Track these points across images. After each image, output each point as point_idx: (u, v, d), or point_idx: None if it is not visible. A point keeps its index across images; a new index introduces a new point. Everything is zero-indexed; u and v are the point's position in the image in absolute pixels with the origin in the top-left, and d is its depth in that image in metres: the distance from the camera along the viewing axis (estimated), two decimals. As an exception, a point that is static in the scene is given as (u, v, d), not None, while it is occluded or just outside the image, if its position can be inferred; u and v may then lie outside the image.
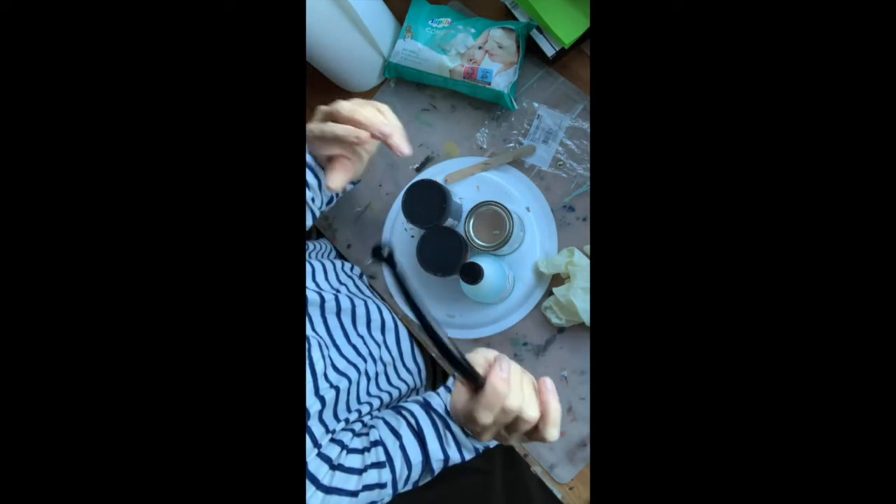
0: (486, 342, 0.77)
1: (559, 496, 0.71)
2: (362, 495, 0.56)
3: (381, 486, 0.57)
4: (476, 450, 0.61)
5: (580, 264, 0.71)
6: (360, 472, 0.56)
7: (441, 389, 0.65)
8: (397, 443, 0.60)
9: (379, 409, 0.68)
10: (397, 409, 0.65)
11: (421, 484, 0.62)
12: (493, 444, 0.63)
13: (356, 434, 0.61)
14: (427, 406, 0.63)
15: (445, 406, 0.62)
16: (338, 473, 0.56)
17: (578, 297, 0.70)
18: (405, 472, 0.58)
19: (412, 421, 0.62)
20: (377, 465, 0.58)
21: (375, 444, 0.60)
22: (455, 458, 0.60)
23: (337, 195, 0.73)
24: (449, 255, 0.70)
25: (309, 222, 0.70)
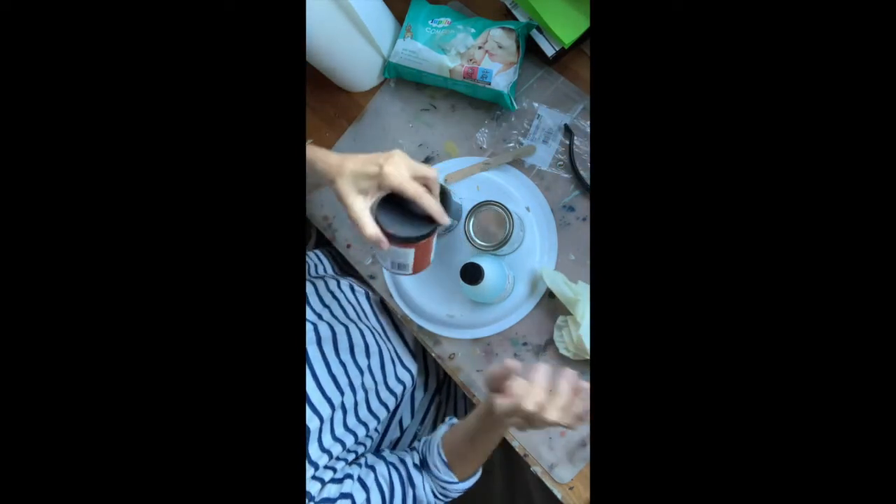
0: (486, 342, 0.77)
1: (559, 496, 0.71)
2: None
3: None
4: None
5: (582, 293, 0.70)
6: None
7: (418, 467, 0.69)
8: (364, 494, 0.63)
9: (355, 444, 0.68)
10: (371, 467, 0.67)
11: None
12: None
13: (326, 481, 0.63)
14: (402, 468, 0.68)
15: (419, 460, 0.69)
16: None
17: (585, 332, 0.68)
18: None
19: (382, 482, 0.65)
20: None
21: (344, 496, 0.61)
22: None
23: None
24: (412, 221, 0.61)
25: None
